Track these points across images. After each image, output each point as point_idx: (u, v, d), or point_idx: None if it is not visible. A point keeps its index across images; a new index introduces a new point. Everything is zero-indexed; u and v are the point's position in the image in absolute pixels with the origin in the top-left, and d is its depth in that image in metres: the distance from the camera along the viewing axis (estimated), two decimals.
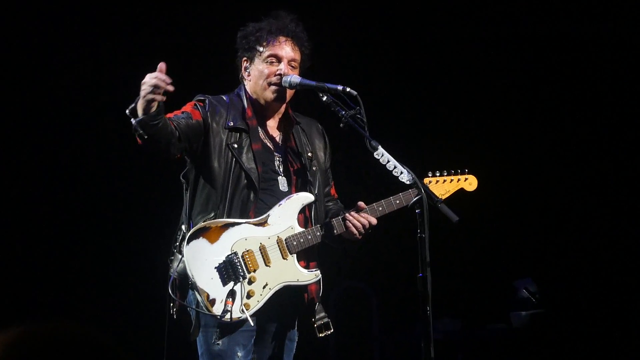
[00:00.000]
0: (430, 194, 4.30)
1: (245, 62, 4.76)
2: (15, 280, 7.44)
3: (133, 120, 4.22)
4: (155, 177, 7.01)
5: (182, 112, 4.56)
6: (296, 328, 4.74)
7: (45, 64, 7.42)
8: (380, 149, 4.41)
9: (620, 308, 7.79)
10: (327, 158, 4.93)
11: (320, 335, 4.65)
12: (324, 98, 4.55)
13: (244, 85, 4.78)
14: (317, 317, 4.65)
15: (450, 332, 7.88)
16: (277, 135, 4.79)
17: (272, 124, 4.80)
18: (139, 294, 7.36)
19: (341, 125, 4.47)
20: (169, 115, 4.46)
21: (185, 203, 4.65)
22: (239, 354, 4.47)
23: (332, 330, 4.66)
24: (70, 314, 7.44)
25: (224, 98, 4.73)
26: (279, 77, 4.66)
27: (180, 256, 4.47)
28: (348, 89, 4.49)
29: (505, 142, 8.23)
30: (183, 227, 4.58)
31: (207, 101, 4.65)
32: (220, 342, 4.46)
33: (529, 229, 8.25)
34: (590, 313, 7.83)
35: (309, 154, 4.80)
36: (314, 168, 4.79)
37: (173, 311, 4.51)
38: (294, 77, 4.66)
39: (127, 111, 4.24)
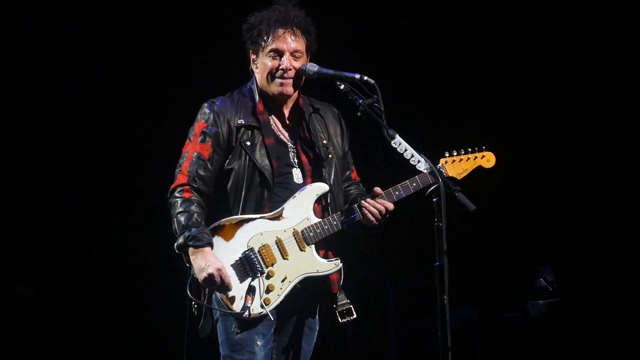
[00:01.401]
0: (447, 183, 4.30)
1: (252, 54, 4.73)
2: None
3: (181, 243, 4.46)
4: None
5: (194, 160, 4.57)
6: (317, 317, 4.75)
7: (46, 64, 7.44)
8: (398, 138, 4.41)
9: (637, 298, 7.76)
10: (345, 143, 4.89)
11: (343, 320, 4.66)
12: (342, 87, 4.55)
13: (255, 77, 4.76)
14: (339, 304, 4.66)
15: (467, 320, 7.88)
16: (290, 127, 4.77)
17: (284, 116, 4.77)
18: (157, 294, 7.41)
19: (358, 113, 4.46)
20: (185, 166, 4.56)
21: None
22: (259, 342, 4.49)
23: (354, 316, 4.68)
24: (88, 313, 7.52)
25: (234, 95, 4.72)
26: (282, 71, 4.63)
27: None
28: (366, 78, 4.49)
29: (525, 127, 8.20)
30: None
31: (211, 116, 4.61)
32: (239, 330, 4.48)
33: (547, 217, 8.23)
34: (608, 302, 7.81)
35: (324, 142, 4.78)
36: (329, 156, 4.77)
37: (194, 309, 4.54)
38: (311, 66, 4.64)
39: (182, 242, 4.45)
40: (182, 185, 4.52)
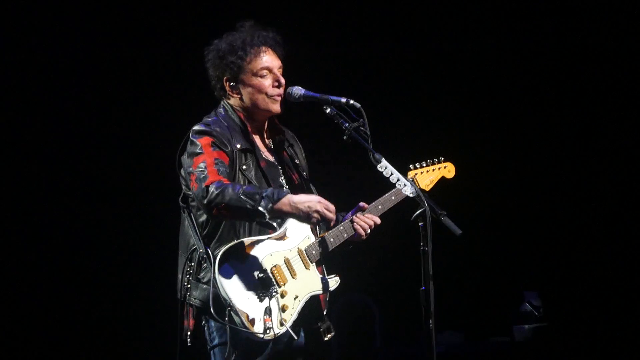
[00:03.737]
0: (433, 207, 4.30)
1: (229, 80, 4.66)
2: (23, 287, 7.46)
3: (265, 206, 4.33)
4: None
5: (217, 162, 4.45)
6: (303, 333, 4.73)
7: (46, 64, 7.44)
8: (384, 162, 4.44)
9: (624, 322, 7.77)
10: (306, 163, 4.92)
11: (326, 339, 4.66)
12: (327, 110, 4.56)
13: (228, 104, 4.70)
14: (324, 322, 4.67)
15: (453, 344, 7.87)
16: (272, 148, 4.79)
17: (266, 137, 4.78)
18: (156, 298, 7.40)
19: (344, 137, 4.48)
20: (211, 170, 4.42)
21: (190, 228, 4.59)
22: None
23: (333, 333, 4.67)
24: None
25: (220, 122, 4.62)
26: (277, 87, 4.64)
27: (202, 285, 4.48)
28: (352, 102, 4.52)
29: (511, 151, 8.22)
30: (199, 252, 4.52)
31: (215, 135, 4.53)
32: (234, 356, 4.46)
33: (533, 243, 8.24)
34: (594, 327, 7.82)
35: (297, 161, 4.82)
36: (304, 174, 4.82)
37: (186, 337, 4.52)
38: (297, 89, 4.65)
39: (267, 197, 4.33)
40: (219, 180, 4.37)
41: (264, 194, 4.32)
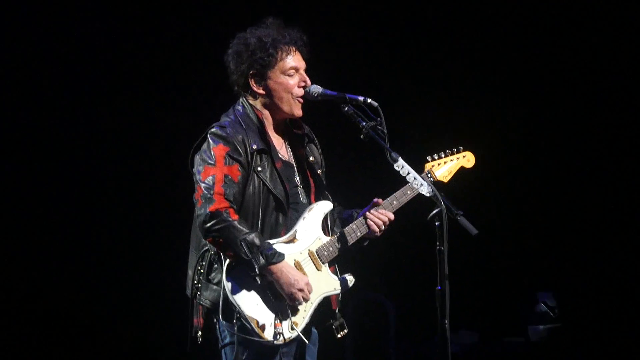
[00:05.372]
0: (449, 207, 4.30)
1: (255, 76, 4.64)
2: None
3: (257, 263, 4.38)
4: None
5: (225, 181, 4.45)
6: (316, 331, 4.73)
7: (47, 63, 7.44)
8: (401, 161, 4.44)
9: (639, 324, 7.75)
10: (322, 158, 4.90)
11: (339, 336, 4.67)
12: (345, 109, 4.56)
13: (248, 100, 4.68)
14: (336, 320, 4.67)
15: (468, 344, 7.86)
16: (289, 146, 4.77)
17: (283, 137, 4.76)
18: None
19: (362, 136, 4.48)
20: (219, 189, 4.42)
21: None
22: None
23: (347, 330, 4.68)
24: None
25: (233, 118, 4.62)
26: (303, 87, 4.64)
27: (213, 285, 4.49)
28: (369, 100, 4.52)
29: (530, 152, 8.20)
30: (211, 253, 4.53)
31: (231, 140, 4.51)
32: (245, 355, 4.47)
33: (549, 242, 8.21)
34: (609, 328, 7.79)
35: (311, 159, 4.79)
36: (319, 171, 4.80)
37: (197, 334, 4.53)
38: (315, 88, 4.65)
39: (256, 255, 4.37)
40: (226, 208, 4.39)
41: (263, 251, 4.37)
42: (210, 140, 4.52)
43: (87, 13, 7.39)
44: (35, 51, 7.38)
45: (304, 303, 4.47)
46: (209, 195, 4.40)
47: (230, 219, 4.37)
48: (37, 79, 7.42)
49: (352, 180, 7.42)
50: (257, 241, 4.36)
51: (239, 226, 4.37)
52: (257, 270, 4.36)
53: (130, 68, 7.52)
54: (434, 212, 4.27)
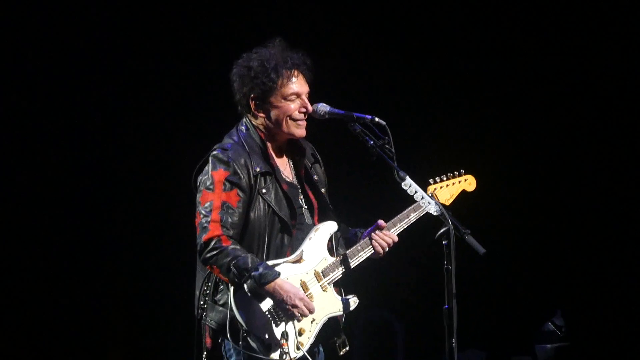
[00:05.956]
0: (457, 226, 4.31)
1: (255, 98, 4.64)
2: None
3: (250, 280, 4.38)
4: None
5: (223, 207, 4.47)
6: (322, 349, 4.74)
7: (48, 63, 7.47)
8: (408, 180, 4.45)
9: None
10: (326, 177, 4.90)
11: (341, 353, 4.67)
12: (353, 127, 4.57)
13: (251, 121, 4.69)
14: (340, 337, 4.67)
15: None
16: (292, 168, 4.78)
17: (287, 157, 4.78)
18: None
19: (373, 157, 4.50)
20: (215, 216, 4.44)
21: None
22: None
23: (348, 347, 4.67)
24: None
25: (236, 139, 4.63)
26: (303, 112, 4.64)
27: (219, 307, 4.51)
28: (377, 119, 4.53)
29: (532, 170, 8.20)
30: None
31: (231, 164, 4.52)
32: None
33: (556, 260, 8.20)
34: (616, 347, 7.77)
35: (315, 178, 4.80)
36: (322, 190, 4.80)
37: (202, 356, 4.54)
38: (323, 106, 4.66)
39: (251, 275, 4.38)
40: (218, 236, 4.42)
41: (252, 273, 4.37)
42: (211, 163, 4.56)
43: (96, 23, 7.47)
44: (47, 63, 7.44)
45: (306, 321, 4.48)
46: (205, 224, 4.45)
47: (223, 246, 4.41)
48: (45, 85, 7.48)
49: (359, 197, 7.43)
50: (247, 264, 4.38)
51: (230, 252, 4.40)
52: (248, 293, 4.39)
53: (142, 74, 7.57)
54: (442, 230, 4.29)
